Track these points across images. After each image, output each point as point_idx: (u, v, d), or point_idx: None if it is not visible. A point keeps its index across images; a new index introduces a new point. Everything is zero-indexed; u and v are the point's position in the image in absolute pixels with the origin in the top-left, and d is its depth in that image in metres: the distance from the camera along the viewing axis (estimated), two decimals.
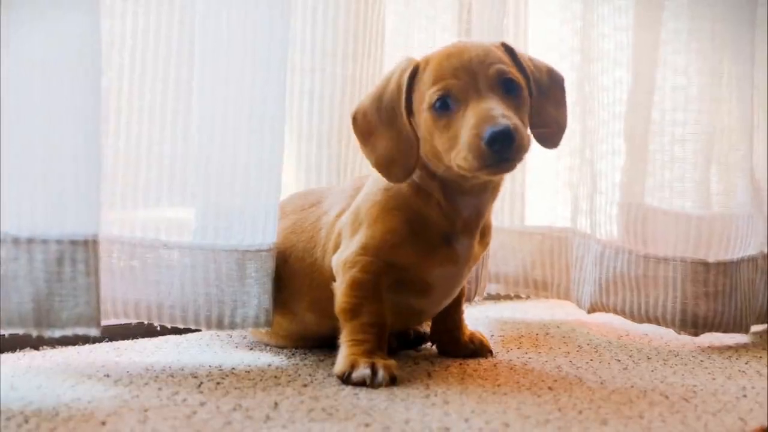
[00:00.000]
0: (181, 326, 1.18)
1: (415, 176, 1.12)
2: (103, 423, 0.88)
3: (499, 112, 1.02)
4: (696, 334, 1.42)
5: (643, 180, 1.48)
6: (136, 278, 1.15)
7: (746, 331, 1.45)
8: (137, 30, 1.16)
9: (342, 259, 1.13)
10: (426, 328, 1.31)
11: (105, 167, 1.15)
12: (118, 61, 1.16)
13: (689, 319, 1.40)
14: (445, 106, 1.05)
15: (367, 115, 1.12)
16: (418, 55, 1.12)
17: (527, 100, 1.10)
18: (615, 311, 1.47)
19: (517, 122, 1.02)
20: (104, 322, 1.26)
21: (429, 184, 1.12)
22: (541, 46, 1.62)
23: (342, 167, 1.41)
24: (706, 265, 1.41)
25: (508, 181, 1.61)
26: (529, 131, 1.10)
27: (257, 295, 1.17)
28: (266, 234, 1.17)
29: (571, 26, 1.58)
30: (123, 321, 1.23)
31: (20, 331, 1.00)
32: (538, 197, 1.67)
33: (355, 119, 1.13)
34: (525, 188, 1.64)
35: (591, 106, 1.51)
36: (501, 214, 1.61)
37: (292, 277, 1.19)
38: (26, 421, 0.88)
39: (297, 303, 1.20)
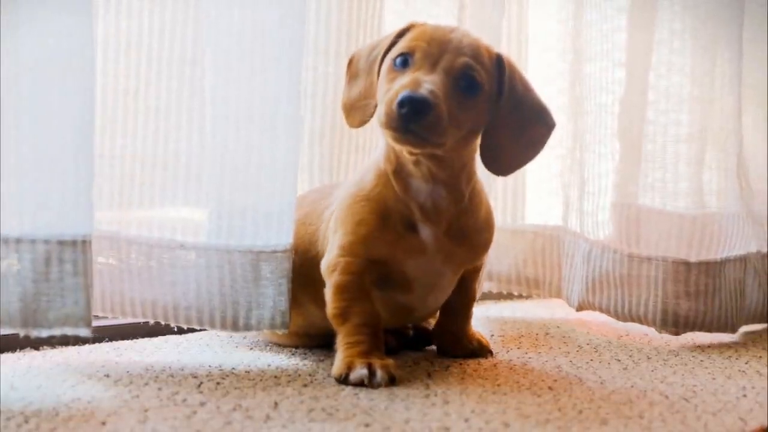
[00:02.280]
0: (197, 327, 1.18)
1: (381, 160, 1.13)
2: (103, 423, 0.88)
3: (427, 85, 1.02)
4: (677, 333, 1.42)
5: (632, 180, 1.48)
6: (153, 278, 1.16)
7: (733, 331, 1.45)
8: (153, 29, 1.17)
9: (326, 264, 1.14)
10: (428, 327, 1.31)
11: (123, 168, 1.17)
12: (136, 61, 1.17)
13: (670, 318, 1.41)
14: (404, 64, 1.07)
15: (359, 61, 1.16)
16: None
17: (482, 109, 1.09)
18: (601, 309, 1.47)
19: (441, 103, 1.02)
20: (106, 322, 1.28)
21: (387, 166, 1.13)
22: (541, 46, 1.62)
23: (335, 166, 1.41)
24: (687, 264, 1.41)
25: (501, 181, 1.60)
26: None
27: (272, 296, 1.16)
28: (281, 234, 1.17)
29: (565, 26, 1.58)
30: (134, 320, 1.23)
31: (7, 331, 1.01)
32: (533, 196, 1.67)
33: (350, 61, 1.18)
34: (525, 187, 1.64)
35: (584, 107, 1.50)
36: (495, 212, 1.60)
37: (300, 267, 1.19)
38: (26, 422, 0.88)
39: (303, 294, 1.20)
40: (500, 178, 1.59)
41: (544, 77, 1.61)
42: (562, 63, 1.58)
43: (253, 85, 1.15)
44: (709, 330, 1.42)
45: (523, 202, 1.64)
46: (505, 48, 1.54)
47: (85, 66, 1.02)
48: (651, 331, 1.48)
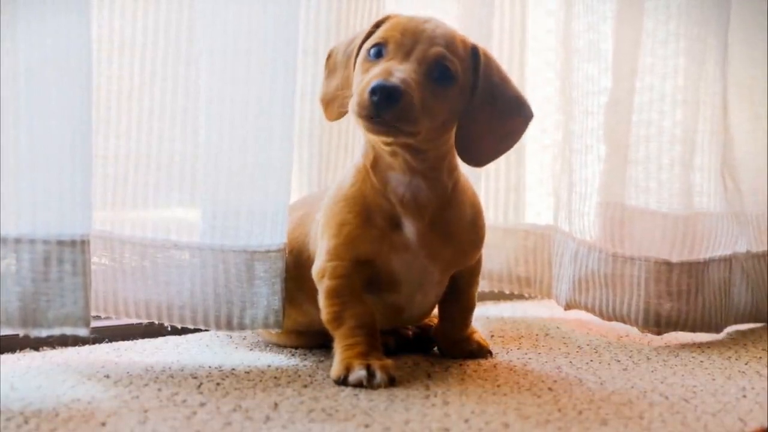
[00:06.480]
0: (191, 326, 1.19)
1: (361, 154, 1.13)
2: (103, 423, 0.88)
3: (399, 73, 1.02)
4: (659, 333, 1.43)
5: (618, 180, 1.48)
6: (147, 278, 1.16)
7: (717, 331, 1.45)
8: (147, 29, 1.17)
9: (316, 270, 1.14)
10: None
11: (117, 168, 1.17)
12: (129, 61, 1.17)
13: (651, 317, 1.41)
14: (378, 54, 1.07)
15: (337, 55, 1.16)
16: None
17: (456, 99, 1.08)
18: (587, 309, 1.47)
19: (412, 92, 1.01)
20: (106, 323, 1.28)
21: (365, 160, 1.13)
22: (542, 45, 1.61)
23: (324, 167, 1.42)
24: (669, 264, 1.41)
25: (493, 180, 1.60)
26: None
27: (266, 296, 1.17)
28: (275, 234, 1.17)
29: (560, 26, 1.58)
30: (132, 321, 1.23)
31: (6, 331, 1.01)
32: (533, 196, 1.67)
33: (329, 56, 1.18)
34: (524, 187, 1.64)
35: (580, 108, 1.50)
36: (485, 212, 1.59)
37: (295, 268, 1.20)
38: (26, 422, 0.88)
39: (300, 295, 1.20)
40: (501, 177, 1.60)
41: (544, 77, 1.61)
42: (560, 63, 1.58)
43: (248, 85, 1.15)
44: (693, 330, 1.43)
45: (522, 202, 1.64)
46: (497, 46, 1.54)
47: (83, 66, 1.02)
48: None
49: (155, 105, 1.18)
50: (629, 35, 1.47)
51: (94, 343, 1.25)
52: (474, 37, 1.21)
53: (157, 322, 1.19)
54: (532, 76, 1.61)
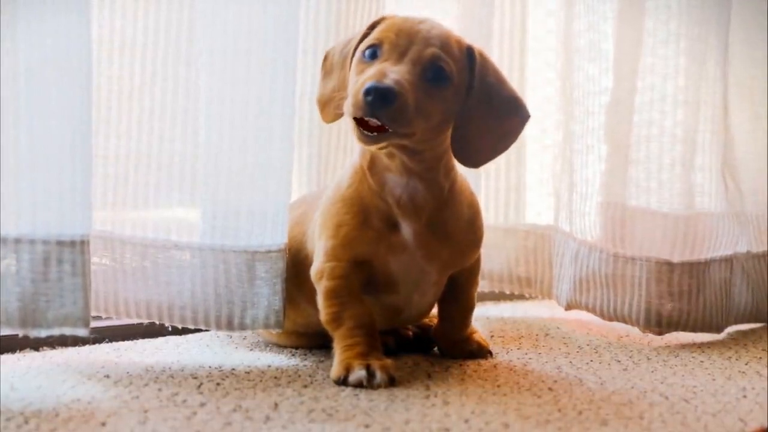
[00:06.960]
0: (192, 327, 1.19)
1: (358, 156, 1.13)
2: (103, 424, 0.88)
3: (393, 75, 1.02)
4: (660, 333, 1.43)
5: (619, 180, 1.48)
6: (147, 278, 1.16)
7: (718, 331, 1.45)
8: (148, 29, 1.17)
9: (314, 271, 1.14)
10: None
11: (117, 168, 1.17)
12: (130, 61, 1.17)
13: (653, 318, 1.41)
14: (373, 56, 1.07)
15: (334, 56, 1.16)
16: None
17: (451, 100, 1.08)
18: (587, 309, 1.48)
19: (406, 93, 1.01)
20: (106, 323, 1.28)
21: (362, 161, 1.12)
22: (543, 45, 1.61)
23: (323, 167, 1.42)
24: (670, 265, 1.41)
25: (494, 180, 1.60)
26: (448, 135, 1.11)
27: (267, 296, 1.17)
28: (275, 234, 1.17)
29: (560, 26, 1.58)
30: (133, 321, 1.23)
31: (6, 331, 1.01)
32: (534, 196, 1.67)
33: (325, 57, 1.17)
34: (525, 187, 1.64)
35: (580, 108, 1.50)
36: (486, 212, 1.59)
37: (293, 267, 1.20)
38: (26, 422, 0.88)
39: (298, 294, 1.20)
40: (502, 177, 1.60)
41: (544, 78, 1.61)
42: (560, 63, 1.58)
43: (248, 85, 1.15)
44: (693, 330, 1.43)
45: (522, 202, 1.64)
46: (497, 46, 1.54)
47: (83, 66, 1.02)
48: None
49: (155, 105, 1.18)
50: (630, 35, 1.47)
51: (94, 343, 1.25)
52: (474, 38, 1.21)
53: (157, 323, 1.19)
54: (532, 77, 1.61)
